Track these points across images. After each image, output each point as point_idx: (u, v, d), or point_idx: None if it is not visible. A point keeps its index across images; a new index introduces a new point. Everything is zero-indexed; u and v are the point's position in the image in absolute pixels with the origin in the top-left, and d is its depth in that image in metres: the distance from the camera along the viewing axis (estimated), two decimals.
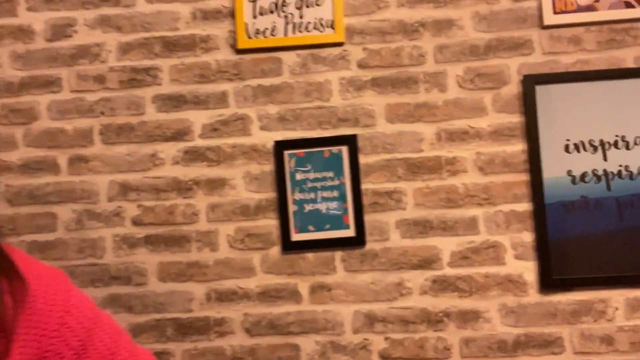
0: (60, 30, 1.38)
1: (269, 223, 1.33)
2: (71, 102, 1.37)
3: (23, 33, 1.38)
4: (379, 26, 1.35)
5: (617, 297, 1.25)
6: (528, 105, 1.29)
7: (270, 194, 1.33)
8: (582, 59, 1.30)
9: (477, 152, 1.31)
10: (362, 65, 1.34)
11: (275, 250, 1.32)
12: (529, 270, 1.28)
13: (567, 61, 1.30)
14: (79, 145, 1.36)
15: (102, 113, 1.36)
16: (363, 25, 1.35)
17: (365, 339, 1.29)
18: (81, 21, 1.38)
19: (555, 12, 1.30)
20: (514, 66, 1.31)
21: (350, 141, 1.32)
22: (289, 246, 1.31)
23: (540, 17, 1.31)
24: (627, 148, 1.27)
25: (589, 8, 1.30)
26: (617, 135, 1.27)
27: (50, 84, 1.37)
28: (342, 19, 1.34)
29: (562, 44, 1.30)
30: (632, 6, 1.29)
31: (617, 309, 1.25)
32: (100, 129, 1.36)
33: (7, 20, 1.38)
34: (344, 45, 1.35)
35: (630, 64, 1.29)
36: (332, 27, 1.34)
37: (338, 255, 1.31)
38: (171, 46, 1.37)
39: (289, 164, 1.32)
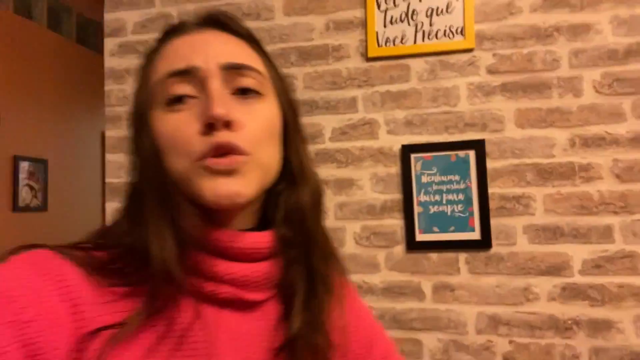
0: None
1: (394, 223, 1.39)
2: None
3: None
4: (511, 31, 1.35)
5: None
6: None
7: (396, 195, 1.40)
8: None
9: (614, 159, 1.28)
10: (491, 70, 1.36)
11: (399, 249, 1.39)
12: None
13: None
14: None
15: None
16: (494, 31, 1.36)
17: (489, 341, 1.31)
18: None
19: None
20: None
21: (477, 145, 1.34)
22: (413, 246, 1.37)
23: None
24: None
25: None
26: None
27: None
28: (473, 26, 1.36)
29: None
30: None
31: None
32: None
33: None
34: (474, 51, 1.37)
35: None
36: (462, 33, 1.37)
37: (462, 257, 1.35)
38: (305, 55, 1.48)
39: (415, 167, 1.38)
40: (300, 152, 0.53)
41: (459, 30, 1.38)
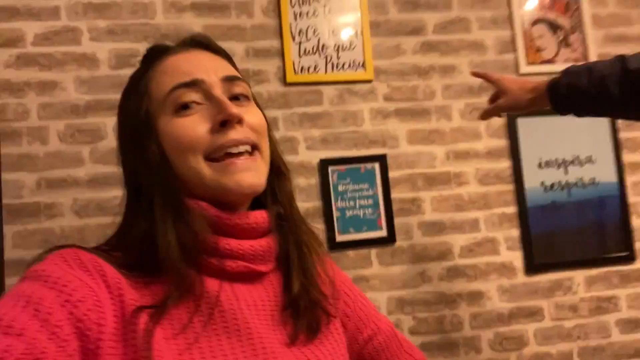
0: None
1: (317, 227, 1.58)
2: None
3: None
4: (400, 68, 1.69)
5: (579, 276, 1.68)
6: (511, 132, 1.70)
7: (317, 203, 1.60)
8: None
9: (477, 168, 1.69)
10: (387, 98, 1.68)
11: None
12: (517, 258, 1.67)
13: None
14: None
15: None
16: (387, 66, 1.69)
17: (398, 319, 1.58)
18: None
19: (527, 64, 1.74)
20: None
21: (380, 159, 1.63)
22: (334, 246, 1.58)
23: (517, 66, 1.73)
24: (581, 165, 1.72)
25: (550, 61, 1.75)
26: (573, 155, 1.72)
27: None
28: (372, 61, 1.67)
29: None
30: (575, 60, 1.76)
31: (579, 284, 1.67)
32: None
33: None
34: (373, 82, 1.67)
35: None
36: (363, 67, 1.66)
37: (373, 252, 1.61)
38: None
39: (332, 178, 1.60)
40: (278, 147, 0.67)
41: (361, 64, 1.66)
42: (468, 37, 1.73)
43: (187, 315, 0.50)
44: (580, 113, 0.98)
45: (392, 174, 1.64)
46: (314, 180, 1.61)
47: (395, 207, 1.63)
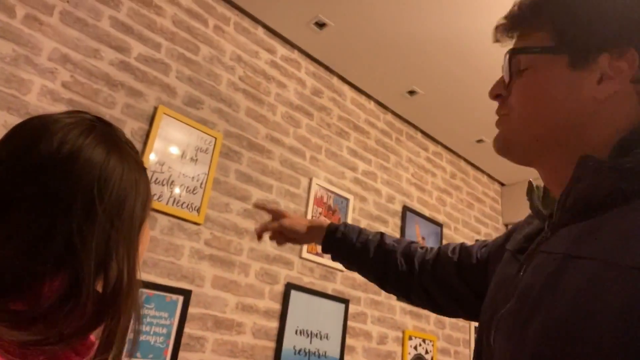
0: None
1: None
2: None
3: None
4: (223, 222, 2.04)
5: None
6: (285, 298, 2.16)
7: None
8: (313, 282, 2.32)
9: (255, 322, 2.04)
10: (207, 243, 1.96)
11: None
12: None
13: (308, 280, 2.29)
14: None
15: None
16: (214, 218, 2.01)
17: None
18: None
19: (307, 252, 2.33)
20: (282, 275, 2.20)
21: (186, 294, 1.83)
22: None
23: (301, 250, 2.30)
24: (320, 339, 2.27)
25: (319, 255, 2.39)
26: (318, 330, 2.26)
27: None
28: (206, 210, 1.97)
29: (307, 270, 2.31)
30: None
31: None
32: None
33: None
34: (200, 225, 1.95)
35: (330, 291, 2.38)
36: (198, 211, 1.95)
37: None
38: None
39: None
40: None
41: (197, 208, 1.95)
42: None
43: None
44: (337, 258, 1.07)
45: (190, 309, 1.84)
46: None
47: (183, 341, 1.79)
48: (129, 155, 0.55)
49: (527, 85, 0.54)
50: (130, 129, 1.82)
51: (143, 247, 0.58)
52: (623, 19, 0.49)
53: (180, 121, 1.97)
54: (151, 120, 1.89)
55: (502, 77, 0.58)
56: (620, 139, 0.48)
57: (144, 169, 0.58)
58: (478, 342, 0.60)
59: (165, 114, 1.92)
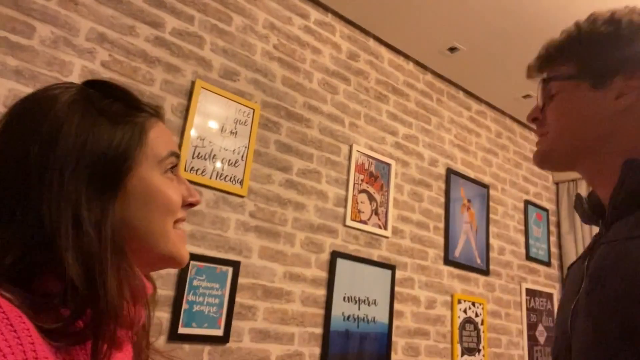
0: None
1: (159, 315, 1.66)
2: None
3: None
4: (266, 194, 2.04)
5: None
6: (331, 267, 2.17)
7: (169, 292, 1.69)
8: (358, 249, 2.31)
9: (303, 290, 2.06)
10: (252, 215, 1.97)
11: (161, 340, 1.64)
12: None
13: (353, 247, 2.28)
14: None
15: None
16: (257, 189, 2.02)
17: None
18: None
19: (351, 219, 2.31)
20: (327, 244, 2.20)
21: (235, 265, 1.86)
22: (175, 337, 1.66)
23: (344, 219, 2.28)
24: (368, 305, 2.27)
25: (364, 222, 2.37)
26: (365, 296, 2.27)
27: None
28: (248, 182, 1.98)
29: (351, 237, 2.30)
30: (380, 227, 2.43)
31: None
32: None
33: None
34: (244, 198, 1.96)
35: (375, 258, 2.37)
36: (240, 183, 1.96)
37: (206, 349, 1.74)
38: None
39: (190, 272, 1.74)
40: None
41: (240, 180, 1.96)
42: (317, 187, 2.23)
43: None
44: None
45: (240, 280, 1.88)
46: (173, 271, 1.71)
47: (235, 310, 1.83)
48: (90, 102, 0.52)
49: (559, 106, 0.67)
50: (170, 105, 1.83)
51: (150, 198, 0.53)
52: (630, 48, 0.62)
53: (218, 94, 1.96)
54: (189, 95, 1.89)
55: (537, 104, 0.71)
56: None
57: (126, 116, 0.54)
58: (555, 340, 0.67)
59: (203, 87, 1.91)
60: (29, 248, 0.43)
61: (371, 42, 2.64)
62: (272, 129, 2.12)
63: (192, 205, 0.60)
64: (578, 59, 0.65)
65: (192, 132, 1.86)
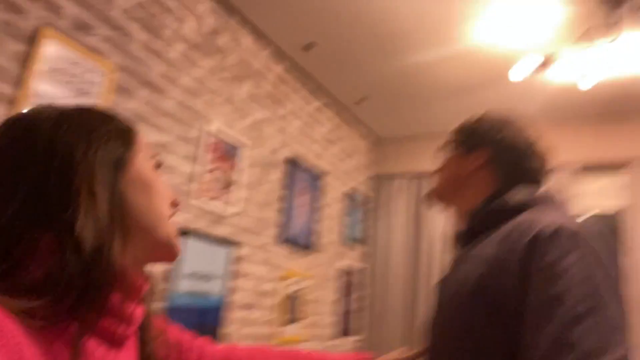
0: None
1: None
2: None
3: None
4: None
5: None
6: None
7: None
8: (203, 227, 2.33)
9: None
10: None
11: None
12: None
13: (198, 225, 2.30)
14: None
15: None
16: None
17: None
18: None
19: (198, 197, 2.31)
20: None
21: None
22: None
23: (191, 195, 2.28)
24: (208, 281, 2.33)
25: (211, 199, 2.40)
26: (206, 272, 2.32)
27: None
28: None
29: (197, 215, 2.30)
30: (225, 205, 2.49)
31: None
32: None
33: None
34: None
35: (218, 234, 2.43)
36: None
37: None
38: None
39: None
40: None
41: None
42: (167, 161, 2.17)
43: None
44: None
45: None
46: None
47: None
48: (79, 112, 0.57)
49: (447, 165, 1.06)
50: (6, 50, 1.56)
51: (146, 193, 0.56)
52: (484, 134, 1.00)
53: (68, 47, 1.74)
54: (32, 42, 1.63)
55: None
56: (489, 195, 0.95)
57: (109, 118, 0.58)
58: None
59: (49, 36, 1.67)
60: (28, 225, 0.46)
61: (234, 21, 2.64)
62: (123, 94, 1.98)
63: (175, 204, 0.62)
64: (459, 139, 1.06)
65: (33, 86, 1.62)
